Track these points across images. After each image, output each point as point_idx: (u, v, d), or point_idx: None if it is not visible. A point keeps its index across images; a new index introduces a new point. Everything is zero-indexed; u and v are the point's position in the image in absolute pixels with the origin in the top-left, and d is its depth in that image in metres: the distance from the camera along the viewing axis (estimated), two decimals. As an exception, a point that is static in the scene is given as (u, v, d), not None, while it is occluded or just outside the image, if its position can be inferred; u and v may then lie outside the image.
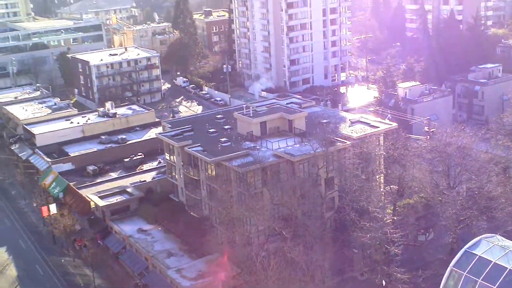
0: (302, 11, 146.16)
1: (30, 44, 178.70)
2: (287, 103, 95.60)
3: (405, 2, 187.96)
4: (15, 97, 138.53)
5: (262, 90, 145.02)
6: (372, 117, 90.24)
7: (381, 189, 75.62)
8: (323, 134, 73.62)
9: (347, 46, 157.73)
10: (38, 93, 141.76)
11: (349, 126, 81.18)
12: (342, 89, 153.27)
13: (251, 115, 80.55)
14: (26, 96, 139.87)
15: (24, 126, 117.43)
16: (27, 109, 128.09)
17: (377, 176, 76.39)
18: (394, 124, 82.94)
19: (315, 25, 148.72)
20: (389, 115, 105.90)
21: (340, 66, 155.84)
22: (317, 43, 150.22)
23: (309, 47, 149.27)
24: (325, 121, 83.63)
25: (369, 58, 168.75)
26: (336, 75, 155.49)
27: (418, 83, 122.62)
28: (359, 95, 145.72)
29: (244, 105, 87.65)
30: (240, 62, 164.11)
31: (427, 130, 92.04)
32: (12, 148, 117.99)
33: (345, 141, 74.17)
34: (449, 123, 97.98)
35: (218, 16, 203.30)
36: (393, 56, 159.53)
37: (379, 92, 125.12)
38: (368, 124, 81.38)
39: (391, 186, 74.58)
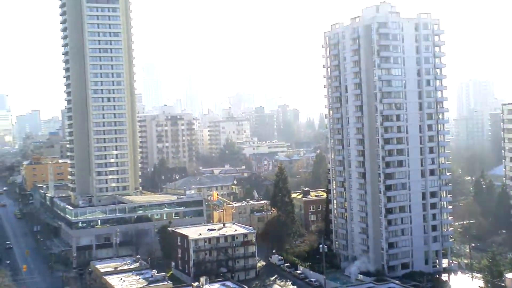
0: (401, 193, 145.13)
1: (135, 216, 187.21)
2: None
3: (509, 188, 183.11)
4: (115, 268, 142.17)
5: (359, 273, 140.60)
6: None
7: None
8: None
9: (449, 231, 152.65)
10: (137, 264, 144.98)
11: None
12: (444, 277, 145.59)
13: (347, 299, 77.36)
14: (126, 267, 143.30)
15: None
16: (124, 280, 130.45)
17: None
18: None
19: (415, 208, 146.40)
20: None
21: (442, 252, 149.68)
22: (417, 227, 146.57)
23: (409, 230, 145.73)
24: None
25: (473, 245, 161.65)
26: (437, 261, 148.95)
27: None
28: (463, 284, 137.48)
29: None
30: (337, 242, 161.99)
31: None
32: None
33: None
34: None
35: (316, 195, 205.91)
36: (499, 244, 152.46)
37: (485, 282, 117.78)
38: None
39: None
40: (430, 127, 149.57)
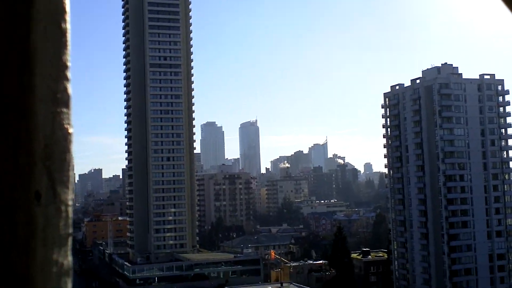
0: (466, 255, 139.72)
1: (192, 274, 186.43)
2: None
3: None
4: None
5: None
6: None
7: None
8: None
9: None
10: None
11: None
12: None
13: None
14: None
15: None
16: None
17: None
18: None
19: (481, 270, 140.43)
20: None
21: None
22: None
23: None
24: None
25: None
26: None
27: None
28: None
29: None
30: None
31: None
32: None
33: None
34: None
35: (376, 256, 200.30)
36: None
37: None
38: None
39: None
40: (495, 188, 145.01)
